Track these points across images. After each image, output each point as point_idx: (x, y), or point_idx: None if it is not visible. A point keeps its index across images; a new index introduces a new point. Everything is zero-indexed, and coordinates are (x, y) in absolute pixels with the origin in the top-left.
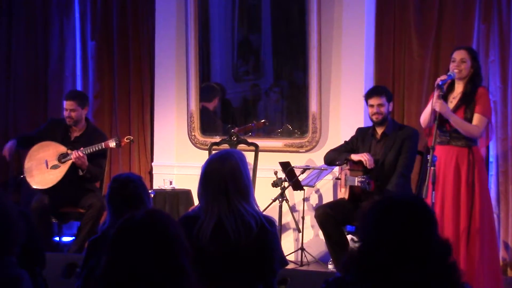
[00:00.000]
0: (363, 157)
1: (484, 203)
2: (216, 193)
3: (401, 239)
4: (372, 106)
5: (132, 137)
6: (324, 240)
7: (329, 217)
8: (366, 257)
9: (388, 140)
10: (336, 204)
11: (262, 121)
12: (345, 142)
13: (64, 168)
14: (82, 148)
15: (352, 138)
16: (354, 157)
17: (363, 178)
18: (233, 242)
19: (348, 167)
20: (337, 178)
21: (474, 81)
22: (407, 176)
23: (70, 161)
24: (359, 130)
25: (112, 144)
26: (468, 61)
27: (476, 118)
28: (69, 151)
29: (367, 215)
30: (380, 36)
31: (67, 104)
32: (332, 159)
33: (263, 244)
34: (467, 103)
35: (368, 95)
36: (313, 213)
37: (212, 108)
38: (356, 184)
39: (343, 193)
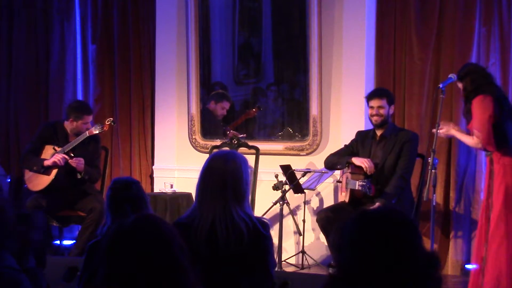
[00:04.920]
0: (363, 163)
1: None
2: (214, 190)
3: (382, 257)
4: (372, 107)
5: (112, 118)
6: (324, 243)
7: (331, 220)
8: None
9: (388, 143)
10: (337, 207)
11: (253, 109)
12: (345, 145)
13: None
14: (72, 154)
15: (352, 141)
16: (355, 161)
17: (364, 182)
18: (223, 245)
19: (349, 170)
20: (339, 181)
21: (467, 97)
22: (407, 179)
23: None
24: (359, 133)
25: (95, 130)
26: (459, 84)
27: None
28: (56, 148)
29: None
30: (380, 39)
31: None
32: (333, 163)
33: (258, 248)
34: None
35: (369, 97)
36: (314, 216)
37: (216, 112)
38: (357, 188)
39: (343, 197)
